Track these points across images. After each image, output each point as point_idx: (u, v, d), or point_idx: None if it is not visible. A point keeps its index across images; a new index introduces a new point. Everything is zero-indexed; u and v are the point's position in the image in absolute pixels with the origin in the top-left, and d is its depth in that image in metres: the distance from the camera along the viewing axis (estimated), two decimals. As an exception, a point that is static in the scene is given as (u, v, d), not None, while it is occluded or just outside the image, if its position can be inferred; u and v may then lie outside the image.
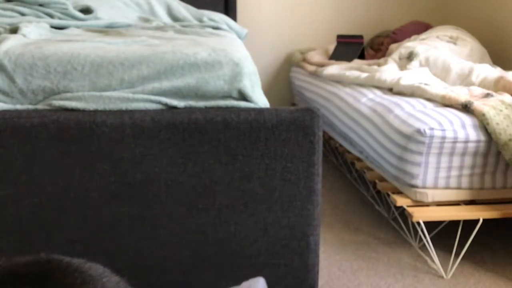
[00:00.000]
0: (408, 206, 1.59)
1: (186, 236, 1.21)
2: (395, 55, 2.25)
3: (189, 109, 1.18)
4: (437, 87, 1.84)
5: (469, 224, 1.68)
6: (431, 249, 1.59)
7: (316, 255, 1.26)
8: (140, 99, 1.18)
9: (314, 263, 1.26)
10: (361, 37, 2.65)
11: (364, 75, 2.14)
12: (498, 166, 1.59)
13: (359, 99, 1.97)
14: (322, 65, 2.56)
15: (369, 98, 1.94)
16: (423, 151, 1.54)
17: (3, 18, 1.77)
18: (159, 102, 1.18)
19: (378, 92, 1.99)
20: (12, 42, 1.26)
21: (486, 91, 1.77)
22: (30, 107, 1.17)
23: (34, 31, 1.49)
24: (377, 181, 1.78)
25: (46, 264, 0.53)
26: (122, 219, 1.19)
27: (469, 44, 2.30)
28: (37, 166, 1.14)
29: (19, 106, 1.17)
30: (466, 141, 1.54)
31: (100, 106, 1.16)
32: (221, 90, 1.21)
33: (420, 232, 1.62)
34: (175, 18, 2.27)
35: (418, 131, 1.53)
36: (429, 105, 1.74)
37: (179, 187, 1.18)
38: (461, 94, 1.75)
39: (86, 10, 2.00)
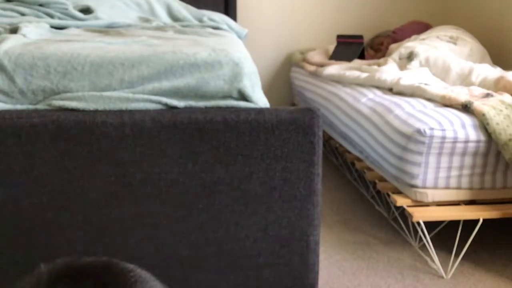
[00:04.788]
0: (408, 206, 1.59)
1: (186, 236, 1.21)
2: (395, 55, 2.25)
3: (189, 109, 1.18)
4: (437, 87, 1.84)
5: (469, 224, 1.68)
6: (431, 249, 1.59)
7: (316, 255, 1.26)
8: (140, 99, 1.18)
9: (314, 263, 1.26)
10: (361, 37, 2.65)
11: (364, 75, 2.14)
12: (498, 166, 1.59)
13: (359, 99, 1.97)
14: (322, 65, 2.56)
15: (369, 98, 1.94)
16: (423, 151, 1.54)
17: (3, 18, 1.77)
18: (159, 102, 1.18)
19: (378, 92, 1.99)
20: (12, 42, 1.26)
21: (486, 91, 1.77)
22: (30, 107, 1.17)
23: (34, 31, 1.49)
24: (377, 181, 1.78)
25: (104, 264, 0.60)
26: (122, 219, 1.19)
27: (469, 44, 2.30)
28: (37, 166, 1.14)
29: (19, 106, 1.17)
30: (466, 141, 1.54)
31: (100, 106, 1.16)
32: (221, 90, 1.21)
33: (420, 232, 1.62)
34: (175, 18, 2.27)
35: (418, 131, 1.53)
36: (429, 105, 1.74)
37: (179, 187, 1.18)
38: (461, 94, 1.75)
39: (86, 10, 2.00)
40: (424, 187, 1.58)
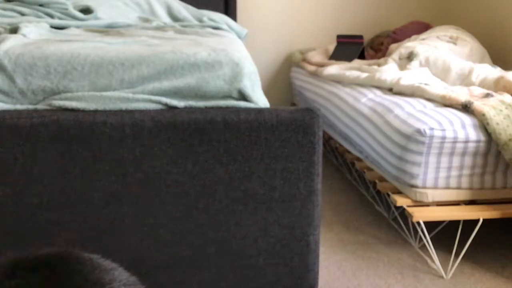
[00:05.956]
0: (408, 206, 1.59)
1: (186, 236, 1.21)
2: (395, 55, 2.25)
3: (189, 109, 1.18)
4: (437, 87, 1.84)
5: (469, 224, 1.68)
6: (431, 249, 1.59)
7: (316, 255, 1.26)
8: (140, 99, 1.18)
9: (314, 263, 1.26)
10: (361, 37, 2.65)
11: (364, 75, 2.14)
12: (498, 166, 1.59)
13: (359, 99, 1.97)
14: (322, 65, 2.56)
15: (369, 98, 1.94)
16: (423, 151, 1.54)
17: (3, 18, 1.77)
18: (159, 102, 1.18)
19: (378, 92, 1.99)
20: (12, 42, 1.26)
21: (486, 91, 1.77)
22: (30, 107, 1.17)
23: (34, 31, 1.49)
24: (377, 181, 1.78)
25: (60, 253, 0.58)
26: (122, 219, 1.19)
27: (469, 44, 2.30)
28: (37, 166, 1.14)
29: (19, 106, 1.17)
30: (466, 141, 1.54)
31: (100, 106, 1.16)
32: (221, 90, 1.21)
33: (420, 232, 1.62)
34: (175, 18, 2.27)
35: (418, 131, 1.53)
36: (429, 105, 1.74)
37: (179, 187, 1.18)
38: (461, 94, 1.75)
39: (86, 10, 2.00)
40: (424, 187, 1.58)
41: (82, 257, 0.58)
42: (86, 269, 0.56)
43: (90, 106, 1.16)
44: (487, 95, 1.72)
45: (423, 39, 2.35)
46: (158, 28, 1.90)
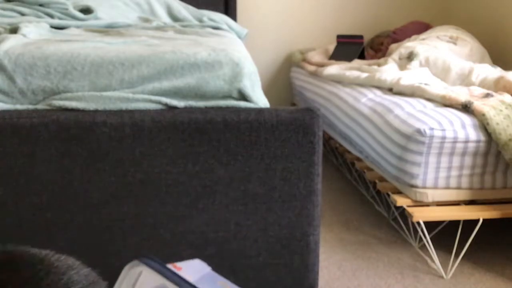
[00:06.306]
0: (408, 206, 1.59)
1: (186, 236, 1.21)
2: (395, 55, 2.25)
3: (189, 109, 1.18)
4: (437, 87, 1.84)
5: (469, 224, 1.68)
6: (431, 249, 1.59)
7: (316, 255, 1.26)
8: (140, 99, 1.18)
9: (314, 263, 1.26)
10: (361, 37, 2.65)
11: (364, 75, 2.14)
12: (498, 166, 1.59)
13: (359, 99, 1.97)
14: (322, 65, 2.56)
15: (369, 98, 1.94)
16: (423, 151, 1.54)
17: (3, 18, 1.77)
18: (159, 102, 1.18)
19: (378, 92, 1.99)
20: (12, 42, 1.26)
21: (486, 91, 1.77)
22: (30, 107, 1.17)
23: (34, 31, 1.49)
24: (377, 181, 1.78)
25: (6, 255, 0.49)
26: (122, 219, 1.19)
27: (469, 44, 2.30)
28: (37, 166, 1.14)
29: (19, 106, 1.17)
30: (466, 141, 1.54)
31: (100, 106, 1.16)
32: (221, 90, 1.21)
33: (420, 232, 1.62)
34: (175, 18, 2.27)
35: (418, 131, 1.53)
36: (429, 105, 1.74)
37: (179, 187, 1.18)
38: (461, 94, 1.75)
39: (86, 10, 2.00)
40: (424, 187, 1.58)
41: (34, 260, 0.49)
42: (38, 276, 0.48)
43: (90, 106, 1.16)
44: (487, 95, 1.72)
45: (423, 39, 2.35)
46: (158, 28, 1.90)
